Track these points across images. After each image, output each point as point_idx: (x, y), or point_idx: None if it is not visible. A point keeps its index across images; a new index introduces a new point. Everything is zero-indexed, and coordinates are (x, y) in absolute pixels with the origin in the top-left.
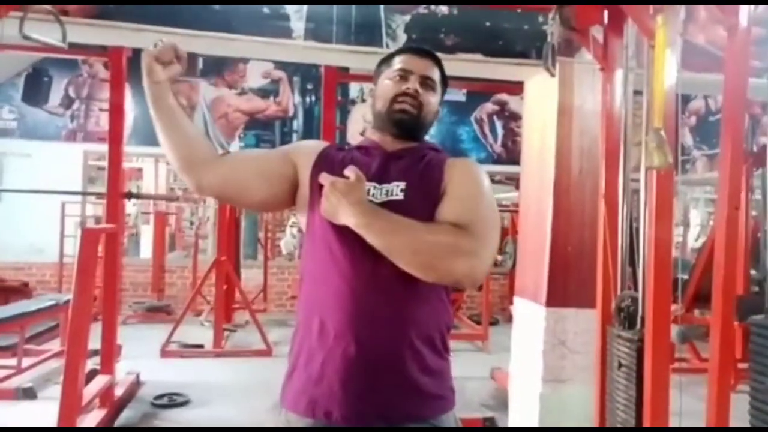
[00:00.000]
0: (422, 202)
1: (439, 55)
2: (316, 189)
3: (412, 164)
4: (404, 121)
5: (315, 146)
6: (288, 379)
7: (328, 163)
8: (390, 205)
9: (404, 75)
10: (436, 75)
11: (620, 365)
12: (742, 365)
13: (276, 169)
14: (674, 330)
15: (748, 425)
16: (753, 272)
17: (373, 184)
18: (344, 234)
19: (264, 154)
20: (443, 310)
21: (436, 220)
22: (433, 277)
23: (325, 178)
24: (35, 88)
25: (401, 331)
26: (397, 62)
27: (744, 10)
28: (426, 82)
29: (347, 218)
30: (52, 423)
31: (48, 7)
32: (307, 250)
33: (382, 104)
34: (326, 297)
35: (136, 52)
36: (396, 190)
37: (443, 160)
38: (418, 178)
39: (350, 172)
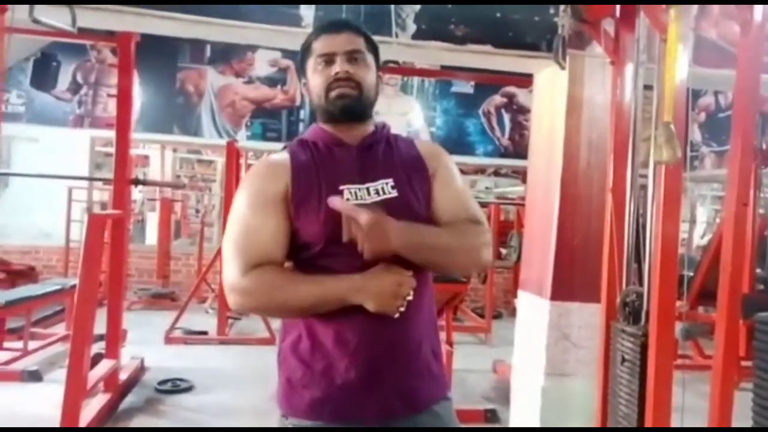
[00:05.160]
0: (415, 196)
1: (449, 45)
2: (303, 202)
3: (389, 157)
4: (347, 106)
5: (281, 162)
6: (297, 389)
7: (305, 172)
8: (386, 204)
9: (328, 59)
10: (360, 44)
11: (623, 360)
12: (745, 363)
13: (285, 226)
14: (679, 327)
15: (750, 423)
16: (758, 270)
17: (357, 186)
18: (347, 245)
19: (271, 229)
20: (433, 293)
21: (438, 207)
22: (469, 271)
23: (349, 213)
24: (43, 72)
25: (415, 320)
26: (317, 48)
27: (758, 5)
28: (352, 56)
29: (390, 248)
30: (57, 406)
31: None
32: (301, 261)
33: (318, 98)
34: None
35: (145, 38)
36: (387, 188)
37: (414, 146)
38: (403, 171)
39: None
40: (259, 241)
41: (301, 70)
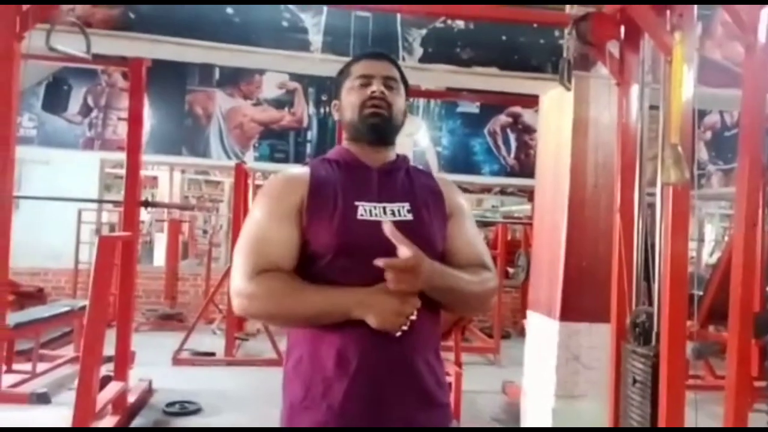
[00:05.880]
0: (430, 224)
1: (455, 68)
2: (317, 212)
3: (407, 184)
4: (378, 126)
5: (300, 175)
6: (298, 411)
7: (322, 185)
8: (400, 226)
9: (366, 81)
10: (396, 74)
11: (635, 381)
12: (758, 383)
13: (296, 237)
14: (689, 346)
15: None
16: None
17: (373, 204)
18: (357, 259)
19: (283, 237)
20: (440, 323)
21: (453, 250)
22: (473, 314)
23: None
24: (55, 96)
25: (419, 349)
26: (356, 70)
27: (762, 27)
28: (388, 82)
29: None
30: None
31: (73, 18)
32: (309, 273)
33: (351, 113)
34: (342, 325)
35: (155, 61)
36: (403, 211)
37: (432, 179)
38: (420, 199)
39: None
40: (269, 248)
41: (337, 91)
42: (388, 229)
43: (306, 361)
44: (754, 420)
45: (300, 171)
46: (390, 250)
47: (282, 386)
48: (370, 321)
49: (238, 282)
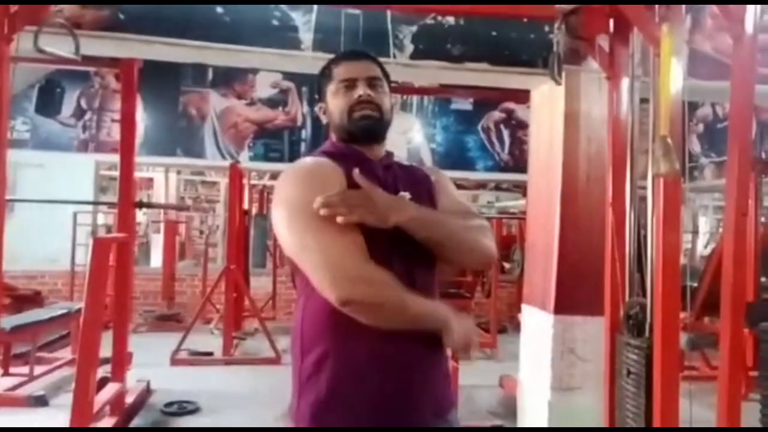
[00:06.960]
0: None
1: (446, 64)
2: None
3: (402, 175)
4: (370, 128)
5: (333, 168)
6: (327, 406)
7: (352, 180)
8: None
9: (349, 84)
10: (378, 72)
11: (629, 373)
12: (752, 373)
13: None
14: (684, 337)
15: None
16: (763, 279)
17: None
18: (383, 249)
19: (358, 229)
20: None
21: (442, 209)
22: (476, 258)
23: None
24: (48, 99)
25: (437, 335)
26: (338, 73)
27: (750, 18)
28: (372, 82)
29: (403, 215)
30: None
31: (62, 20)
32: None
33: (339, 118)
34: None
35: (148, 62)
36: (406, 199)
37: (418, 168)
38: (417, 189)
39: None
40: (361, 240)
41: (321, 95)
42: (358, 179)
43: (333, 356)
44: (748, 409)
45: (326, 161)
46: (416, 239)
47: (298, 384)
48: (451, 337)
49: (360, 267)
